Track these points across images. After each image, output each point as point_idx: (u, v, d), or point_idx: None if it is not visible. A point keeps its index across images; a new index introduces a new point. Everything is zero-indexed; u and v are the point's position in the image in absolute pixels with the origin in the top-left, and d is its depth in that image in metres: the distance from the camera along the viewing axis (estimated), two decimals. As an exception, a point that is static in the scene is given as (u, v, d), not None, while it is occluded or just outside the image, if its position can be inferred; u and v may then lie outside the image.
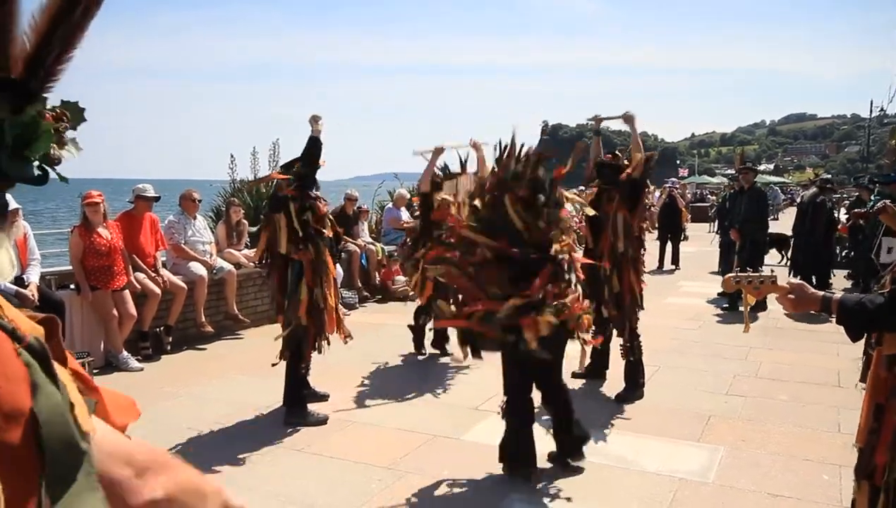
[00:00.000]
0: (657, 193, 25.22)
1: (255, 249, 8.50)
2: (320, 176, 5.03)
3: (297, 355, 4.92)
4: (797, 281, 2.46)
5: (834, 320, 2.30)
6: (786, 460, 4.26)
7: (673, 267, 13.73)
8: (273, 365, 4.98)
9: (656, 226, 23.19)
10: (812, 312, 2.41)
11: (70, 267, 6.68)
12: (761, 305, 8.98)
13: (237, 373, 6.21)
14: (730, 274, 2.63)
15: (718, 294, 9.86)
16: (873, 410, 2.24)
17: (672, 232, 14.08)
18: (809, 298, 2.36)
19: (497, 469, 3.99)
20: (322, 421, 4.91)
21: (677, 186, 18.50)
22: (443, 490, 3.88)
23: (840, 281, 11.34)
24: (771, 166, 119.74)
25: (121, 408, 0.99)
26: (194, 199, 7.72)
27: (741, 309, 2.87)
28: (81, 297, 6.22)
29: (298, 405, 4.94)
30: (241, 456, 4.30)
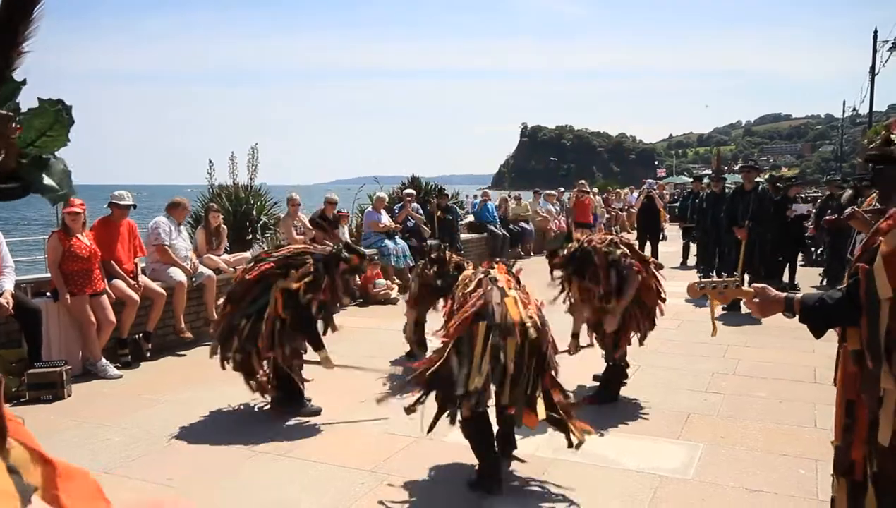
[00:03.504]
0: (635, 194, 25.50)
1: (234, 254, 8.53)
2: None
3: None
4: (760, 285, 2.50)
5: (797, 319, 2.34)
6: (764, 455, 4.32)
7: None
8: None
9: (635, 226, 23.41)
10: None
11: (45, 275, 6.61)
12: (736, 305, 9.08)
13: (218, 380, 6.15)
14: (694, 281, 2.67)
15: (687, 301, 9.87)
16: (845, 406, 2.28)
17: (651, 232, 14.21)
18: (773, 300, 2.41)
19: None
20: (316, 412, 5.08)
21: (655, 187, 18.66)
22: (427, 491, 3.89)
23: (815, 278, 11.51)
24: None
25: (84, 498, 0.90)
26: (183, 207, 7.71)
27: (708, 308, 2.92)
28: (59, 303, 6.13)
29: (291, 396, 5.09)
30: (223, 463, 4.28)
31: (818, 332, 2.34)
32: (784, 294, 2.43)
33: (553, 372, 3.82)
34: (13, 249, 6.49)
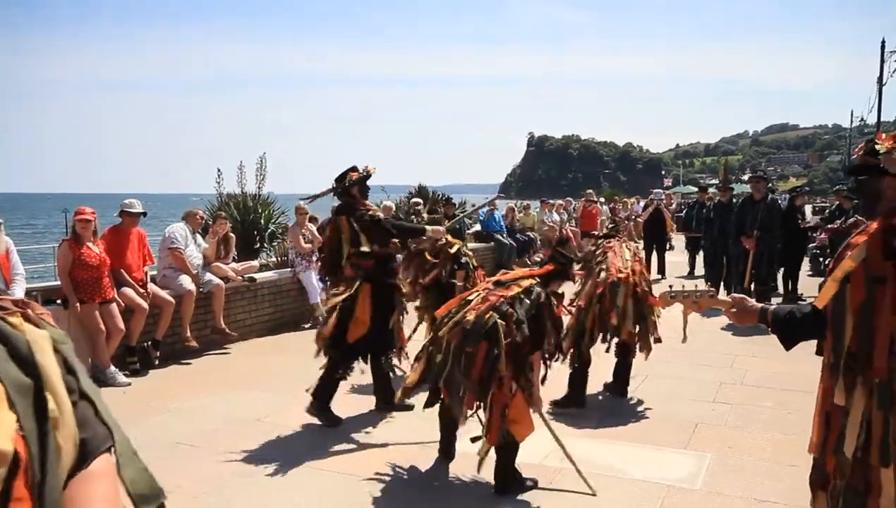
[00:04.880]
0: (641, 204, 25.48)
1: (242, 262, 8.58)
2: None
3: (346, 358, 5.08)
4: (738, 295, 2.52)
5: (770, 331, 2.35)
6: (772, 466, 4.31)
7: (659, 276, 13.84)
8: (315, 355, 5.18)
9: (641, 236, 23.39)
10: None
11: (54, 283, 6.66)
12: None
13: (225, 387, 6.20)
14: (665, 290, 2.68)
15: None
16: (824, 418, 2.28)
17: (657, 242, 14.23)
18: (749, 310, 2.44)
19: (487, 477, 4.00)
20: (336, 422, 5.09)
21: (663, 198, 18.67)
22: (432, 498, 3.90)
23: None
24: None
25: None
26: (196, 217, 7.83)
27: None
28: (69, 311, 6.17)
29: (322, 401, 5.10)
30: (230, 470, 4.29)
31: (787, 344, 2.38)
32: (760, 305, 2.46)
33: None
34: (23, 258, 6.53)
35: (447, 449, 4.38)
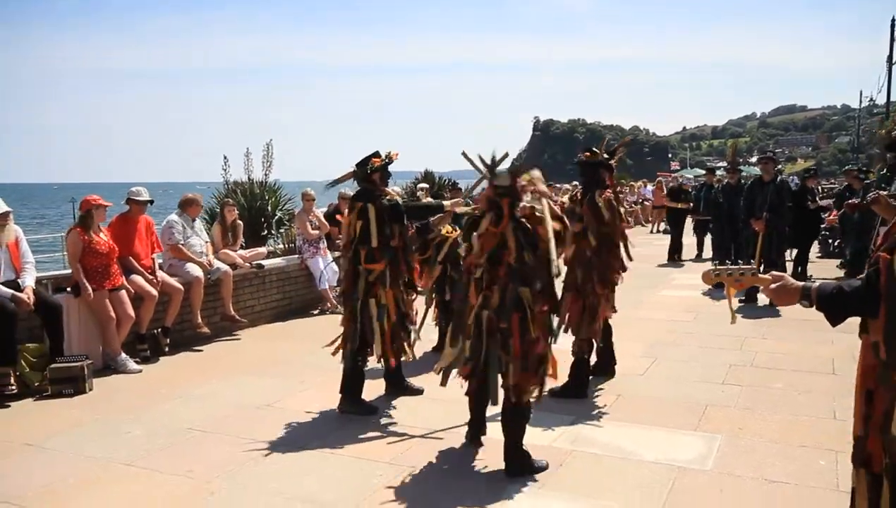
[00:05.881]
0: (649, 187, 25.36)
1: (250, 249, 8.60)
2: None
3: (361, 347, 5.02)
4: (779, 272, 2.49)
5: (814, 308, 2.33)
6: (783, 447, 4.30)
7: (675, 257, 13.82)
8: (333, 353, 5.14)
9: (649, 219, 23.28)
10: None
11: (65, 271, 6.69)
12: (752, 297, 9.02)
13: (235, 373, 6.23)
14: (708, 268, 2.65)
15: (703, 293, 9.87)
16: (865, 397, 2.27)
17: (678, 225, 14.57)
18: (790, 289, 2.39)
19: (499, 462, 4.02)
20: (372, 410, 5.07)
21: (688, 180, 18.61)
22: (445, 483, 3.91)
23: (832, 270, 11.42)
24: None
25: None
26: (198, 203, 7.79)
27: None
28: (81, 298, 6.20)
29: (351, 394, 5.08)
30: (242, 455, 4.32)
31: (834, 321, 2.33)
32: (802, 283, 2.41)
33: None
34: (32, 247, 6.55)
35: (477, 433, 4.38)
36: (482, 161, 4.12)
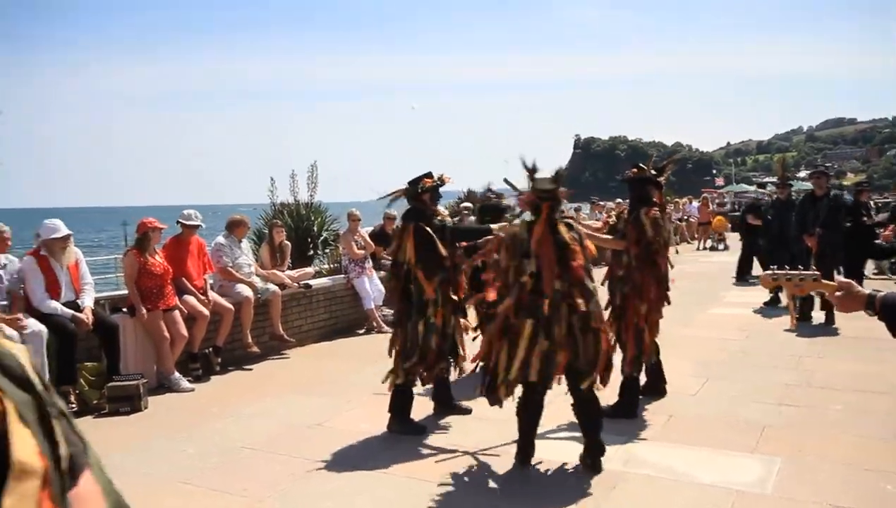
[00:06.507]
0: (694, 204, 24.99)
1: (297, 269, 8.72)
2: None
3: (411, 367, 5.05)
4: (845, 279, 2.44)
5: (876, 317, 2.27)
6: (845, 470, 4.15)
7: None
8: (382, 381, 5.16)
9: (695, 236, 22.88)
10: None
11: (120, 292, 6.89)
12: (806, 316, 8.76)
13: (285, 392, 6.30)
14: (768, 271, 2.60)
15: (765, 303, 9.67)
16: None
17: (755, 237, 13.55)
18: (856, 296, 2.34)
19: (549, 483, 3.97)
20: (420, 429, 5.06)
21: (766, 196, 17.85)
22: (491, 502, 3.88)
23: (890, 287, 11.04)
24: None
25: None
26: (246, 224, 7.94)
27: (781, 304, 2.84)
28: (136, 318, 6.37)
29: (400, 414, 5.09)
30: (292, 474, 4.36)
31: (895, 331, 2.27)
32: (867, 291, 2.35)
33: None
34: (90, 268, 6.76)
35: (526, 451, 4.35)
36: (523, 164, 4.19)
